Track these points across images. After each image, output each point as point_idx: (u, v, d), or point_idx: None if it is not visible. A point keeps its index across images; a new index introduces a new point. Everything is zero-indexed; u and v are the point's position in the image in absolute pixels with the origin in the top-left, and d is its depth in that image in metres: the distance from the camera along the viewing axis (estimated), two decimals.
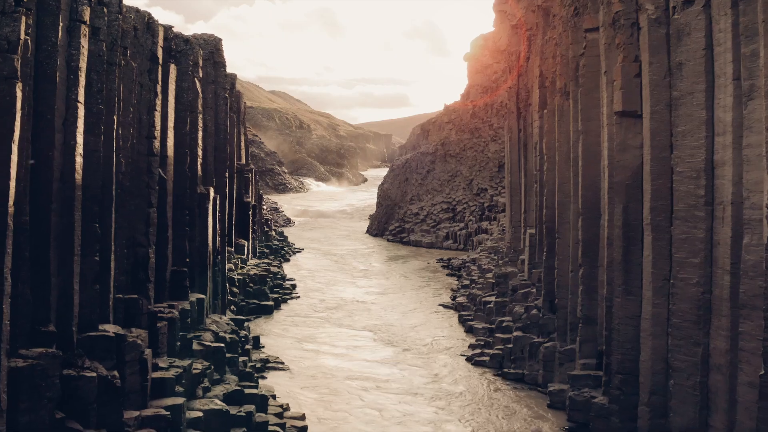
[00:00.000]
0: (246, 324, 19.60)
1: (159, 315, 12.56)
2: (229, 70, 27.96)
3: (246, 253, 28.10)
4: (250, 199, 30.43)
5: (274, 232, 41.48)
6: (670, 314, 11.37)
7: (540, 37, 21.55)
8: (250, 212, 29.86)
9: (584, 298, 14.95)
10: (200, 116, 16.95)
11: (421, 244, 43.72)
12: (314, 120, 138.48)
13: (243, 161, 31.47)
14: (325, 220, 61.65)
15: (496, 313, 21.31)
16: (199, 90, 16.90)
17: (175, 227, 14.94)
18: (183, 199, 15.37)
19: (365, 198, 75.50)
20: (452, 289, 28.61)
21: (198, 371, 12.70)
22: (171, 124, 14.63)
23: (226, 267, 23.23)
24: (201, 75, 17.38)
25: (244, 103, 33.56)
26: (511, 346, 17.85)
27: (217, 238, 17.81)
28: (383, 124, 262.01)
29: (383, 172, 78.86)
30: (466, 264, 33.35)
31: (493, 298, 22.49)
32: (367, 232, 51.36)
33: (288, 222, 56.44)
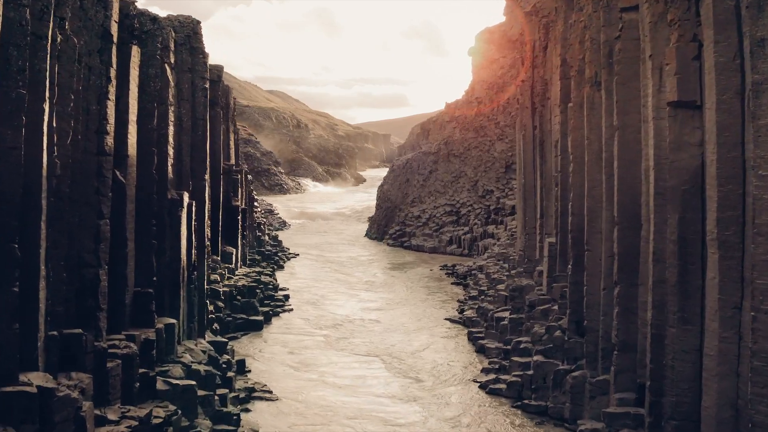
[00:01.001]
0: (229, 347, 17.22)
1: (110, 351, 10.16)
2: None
3: (234, 261, 25.73)
4: (239, 203, 28.07)
5: (267, 237, 39.09)
6: (751, 355, 9.06)
7: (561, 23, 19.35)
8: (239, 217, 27.52)
9: (621, 321, 12.80)
10: (171, 109, 14.50)
11: (423, 249, 41.45)
12: (312, 119, 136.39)
13: (232, 161, 29.11)
14: (323, 222, 59.31)
15: (511, 332, 19.04)
16: (171, 78, 14.48)
17: (139, 240, 12.51)
18: (149, 207, 12.92)
19: (364, 199, 73.03)
20: (459, 301, 26.34)
21: (160, 420, 10.33)
22: (133, 117, 12.19)
23: (212, 278, 20.91)
24: (173, 61, 14.98)
25: (234, 98, 31.19)
26: (531, 372, 15.72)
27: (193, 251, 15.39)
28: (382, 124, 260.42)
29: (382, 172, 76.54)
30: (473, 272, 31.20)
31: (506, 314, 20.23)
32: (366, 235, 49.09)
33: (283, 225, 54.03)
